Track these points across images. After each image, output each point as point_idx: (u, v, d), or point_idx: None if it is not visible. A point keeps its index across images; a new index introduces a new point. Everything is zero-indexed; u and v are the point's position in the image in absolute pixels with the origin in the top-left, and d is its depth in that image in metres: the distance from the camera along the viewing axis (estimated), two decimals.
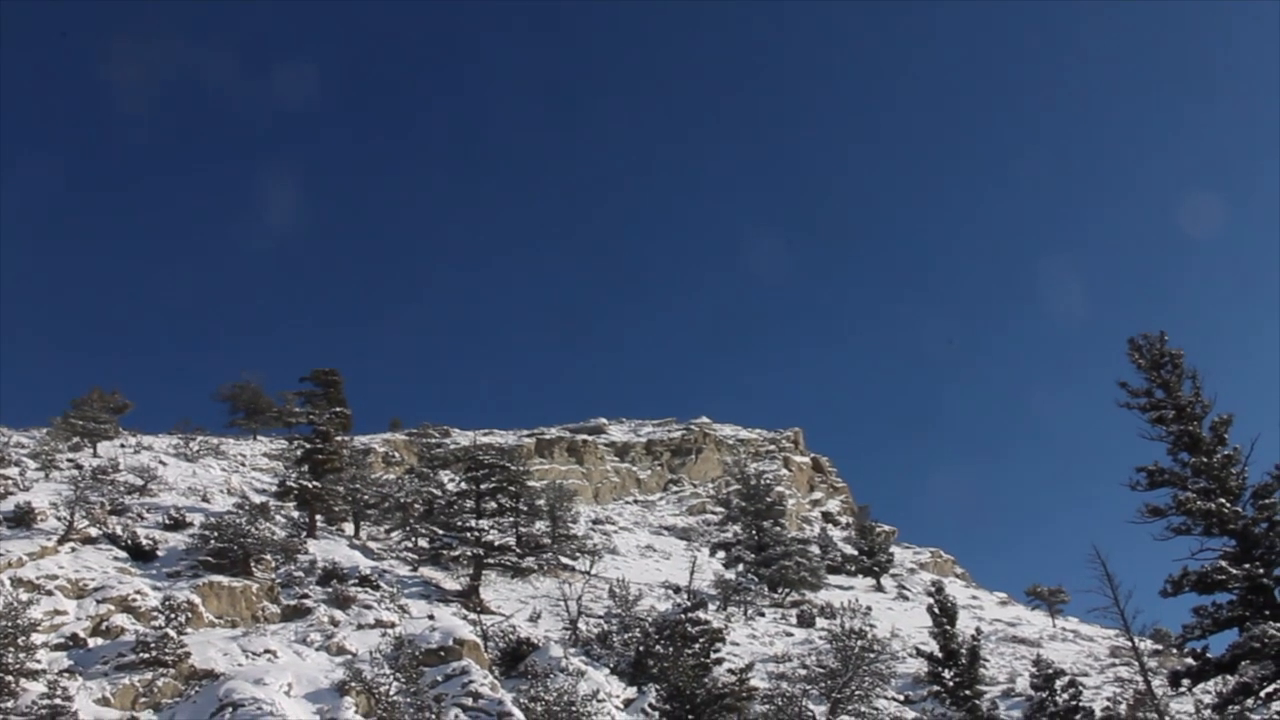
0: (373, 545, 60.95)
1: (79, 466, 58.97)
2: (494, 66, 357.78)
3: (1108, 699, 45.76)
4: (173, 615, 38.26)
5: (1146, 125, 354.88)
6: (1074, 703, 33.31)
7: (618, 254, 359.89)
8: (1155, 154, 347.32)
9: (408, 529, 62.67)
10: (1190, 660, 28.64)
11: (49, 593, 39.29)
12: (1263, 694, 27.98)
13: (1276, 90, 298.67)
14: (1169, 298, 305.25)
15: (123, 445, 71.83)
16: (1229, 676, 29.21)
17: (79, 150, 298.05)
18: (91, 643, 37.28)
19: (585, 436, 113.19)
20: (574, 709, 37.89)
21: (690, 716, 30.53)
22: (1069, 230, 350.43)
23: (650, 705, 34.38)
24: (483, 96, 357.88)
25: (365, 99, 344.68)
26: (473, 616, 48.04)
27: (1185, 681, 28.68)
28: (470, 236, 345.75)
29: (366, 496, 63.33)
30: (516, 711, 35.68)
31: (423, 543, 61.05)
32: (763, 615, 63.35)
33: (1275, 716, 27.53)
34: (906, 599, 76.31)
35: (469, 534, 55.97)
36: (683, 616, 44.61)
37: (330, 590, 46.45)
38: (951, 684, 33.74)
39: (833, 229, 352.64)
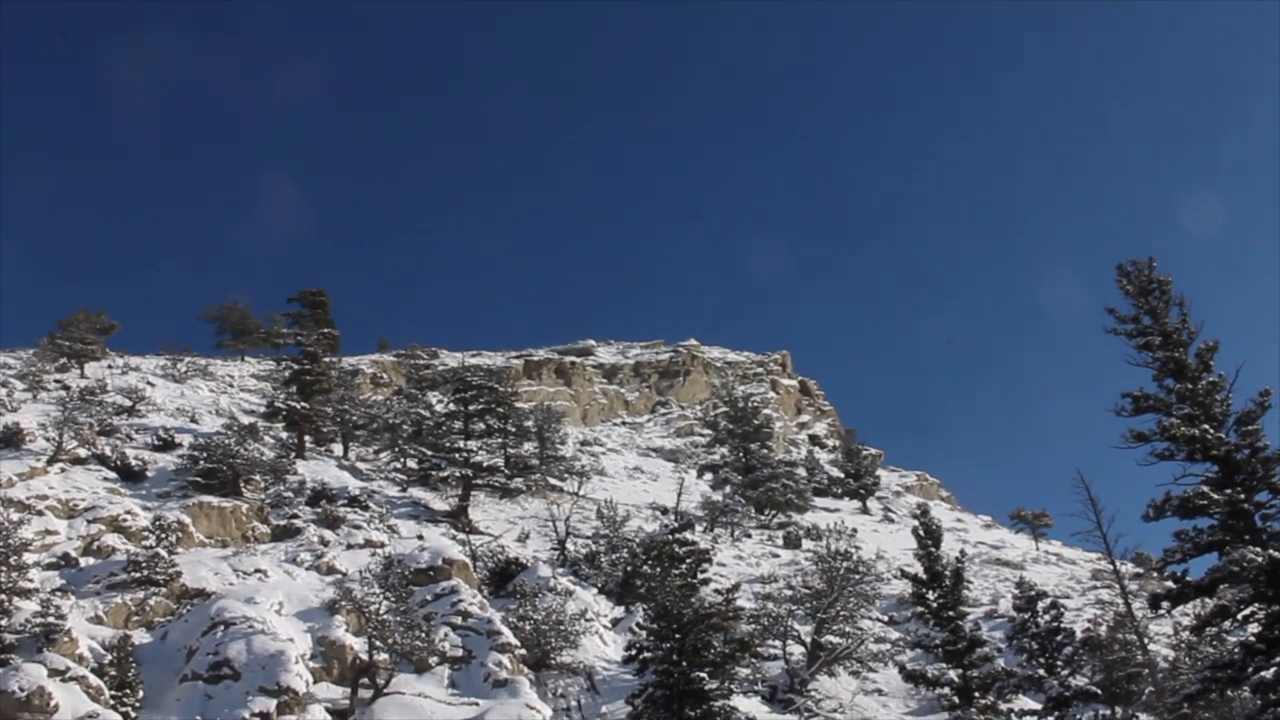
0: (361, 466, 61.18)
1: (66, 387, 58.98)
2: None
3: (1088, 620, 46.41)
4: (163, 535, 38.55)
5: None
6: (1055, 624, 33.77)
7: (608, 183, 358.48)
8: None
9: (396, 450, 62.90)
10: (1170, 583, 28.89)
11: (39, 513, 39.50)
12: (1240, 616, 28.34)
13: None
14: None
15: (110, 366, 71.72)
16: (1207, 599, 29.52)
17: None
18: (83, 562, 37.54)
19: (573, 358, 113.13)
20: (562, 628, 38.40)
21: (677, 636, 30.90)
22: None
23: (637, 624, 34.76)
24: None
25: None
26: (461, 537, 48.43)
27: (1165, 604, 28.95)
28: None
29: (355, 417, 63.45)
30: (505, 630, 36.11)
31: (411, 463, 61.31)
32: (749, 536, 63.87)
33: (1251, 639, 27.92)
34: (892, 521, 76.90)
35: (457, 455, 56.21)
36: (670, 537, 45.01)
37: (320, 510, 46.75)
38: (935, 605, 34.13)
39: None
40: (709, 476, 76.30)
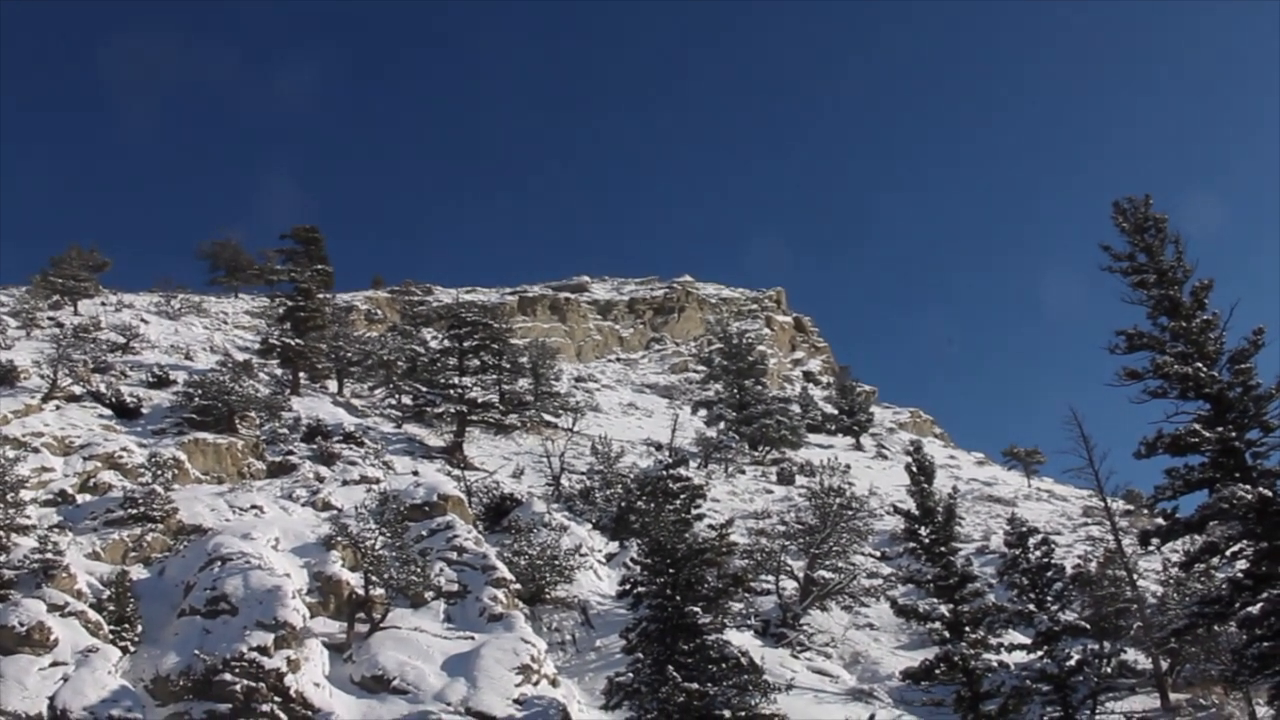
0: (356, 402, 61.28)
1: (60, 325, 58.84)
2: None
3: (1079, 557, 46.80)
4: (159, 472, 38.59)
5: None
6: (1046, 560, 33.90)
7: (601, 118, 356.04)
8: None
9: (391, 386, 62.95)
10: (1160, 520, 29.10)
11: (35, 450, 39.57)
12: (1228, 553, 28.63)
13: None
14: None
15: (103, 303, 71.53)
16: (1197, 536, 29.80)
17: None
18: (80, 499, 37.66)
19: (568, 294, 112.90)
20: (557, 563, 38.66)
21: (671, 571, 31.06)
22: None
23: (631, 559, 34.89)
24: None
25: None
26: (456, 472, 48.60)
27: (1155, 540, 29.18)
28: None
29: (349, 354, 63.44)
30: (500, 565, 36.33)
31: (406, 400, 61.39)
32: (743, 473, 64.15)
33: (1239, 575, 28.18)
34: (885, 458, 77.27)
35: (452, 391, 56.28)
36: (664, 473, 45.15)
37: (315, 447, 46.87)
38: (927, 541, 34.25)
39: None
40: (703, 413, 76.46)
